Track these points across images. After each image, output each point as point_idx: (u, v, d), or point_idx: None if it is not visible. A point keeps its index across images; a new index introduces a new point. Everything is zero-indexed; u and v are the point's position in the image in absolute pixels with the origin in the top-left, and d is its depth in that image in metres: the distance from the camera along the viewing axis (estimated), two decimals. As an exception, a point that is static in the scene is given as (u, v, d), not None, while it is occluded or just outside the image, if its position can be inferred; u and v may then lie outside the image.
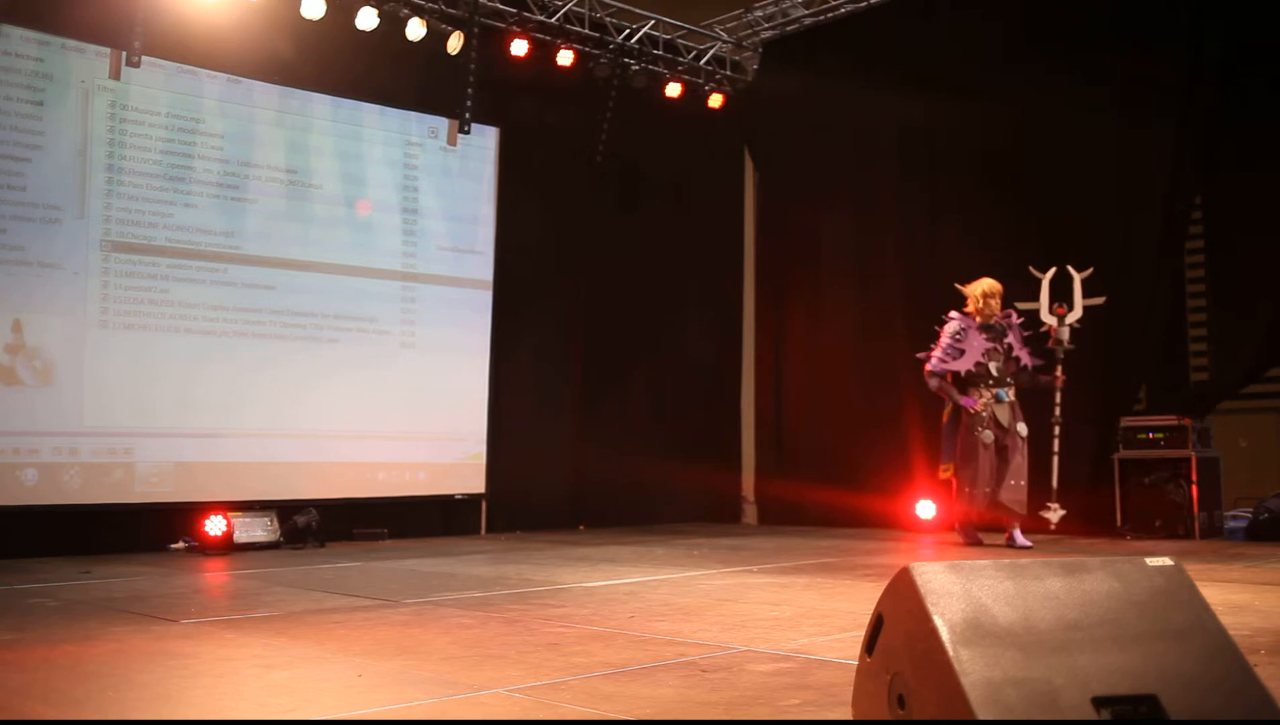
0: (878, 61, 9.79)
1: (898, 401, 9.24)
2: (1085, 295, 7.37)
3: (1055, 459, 7.29)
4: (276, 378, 8.48)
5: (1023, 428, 7.09)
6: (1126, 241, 8.18)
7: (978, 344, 7.10)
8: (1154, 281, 8.18)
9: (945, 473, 7.34)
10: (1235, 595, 4.79)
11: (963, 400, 7.06)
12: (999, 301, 7.22)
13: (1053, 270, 7.41)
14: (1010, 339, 7.21)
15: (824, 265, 10.38)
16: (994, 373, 7.12)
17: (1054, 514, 7.25)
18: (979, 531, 7.33)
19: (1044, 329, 7.33)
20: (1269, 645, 3.56)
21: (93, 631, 4.24)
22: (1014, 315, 7.28)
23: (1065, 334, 7.27)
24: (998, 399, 7.09)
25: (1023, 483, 7.02)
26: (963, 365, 7.08)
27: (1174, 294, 8.84)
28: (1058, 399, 7.28)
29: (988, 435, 7.01)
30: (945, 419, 7.30)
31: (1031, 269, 7.44)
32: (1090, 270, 7.42)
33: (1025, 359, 7.24)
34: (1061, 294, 7.35)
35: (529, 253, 9.85)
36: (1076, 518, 7.56)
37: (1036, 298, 7.38)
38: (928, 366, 7.16)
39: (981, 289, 7.22)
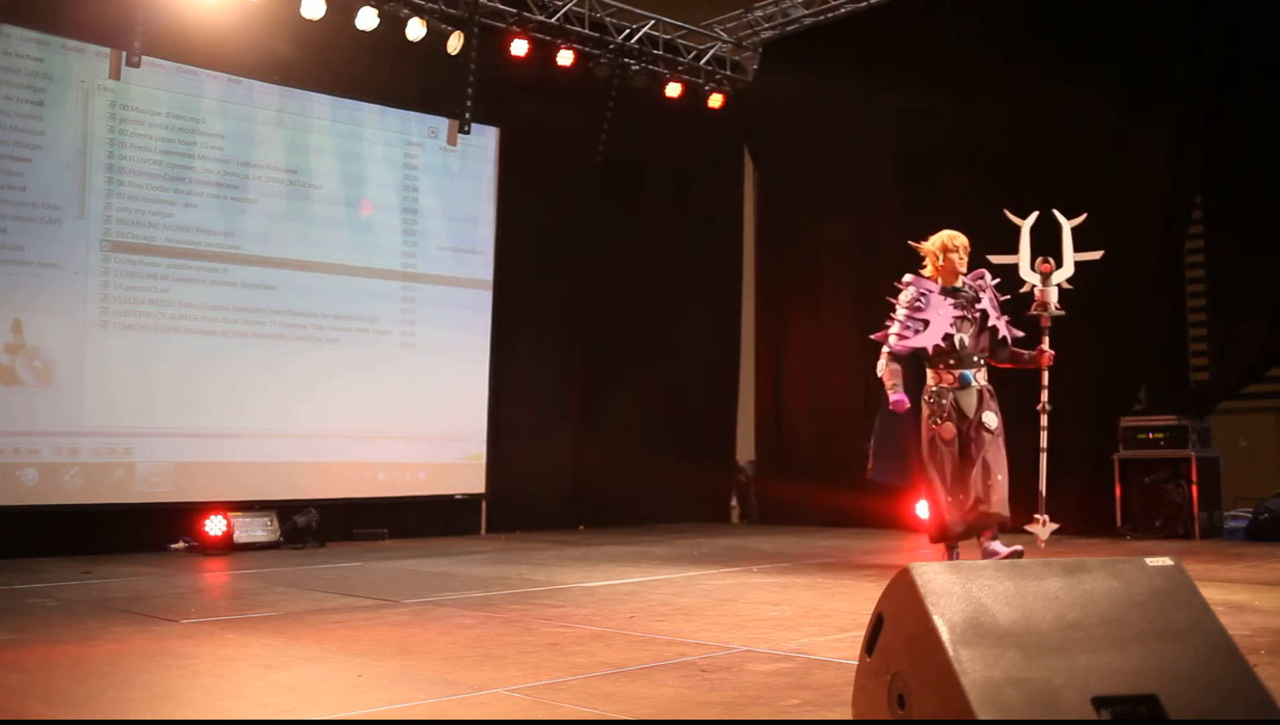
0: (878, 61, 9.78)
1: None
2: (1078, 248, 5.98)
3: (1043, 458, 5.91)
4: (277, 378, 8.48)
5: (990, 418, 5.54)
6: (1126, 241, 8.19)
7: (944, 312, 5.56)
8: (1154, 281, 8.18)
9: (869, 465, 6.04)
10: (1235, 595, 4.79)
11: (894, 396, 5.55)
12: (965, 258, 5.66)
13: (1034, 215, 6.00)
14: (984, 305, 5.66)
15: (824, 265, 10.38)
16: (959, 348, 5.57)
17: (1042, 529, 5.84)
18: (956, 545, 5.73)
19: (1025, 290, 5.91)
20: (1269, 645, 3.56)
21: (93, 631, 4.24)
22: (987, 275, 5.79)
23: (1052, 296, 5.78)
24: (962, 382, 5.53)
25: (998, 478, 5.52)
26: (929, 340, 5.55)
27: (1174, 294, 8.83)
28: (1044, 381, 5.84)
29: (946, 428, 5.52)
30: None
31: (1007, 212, 6.05)
32: (1084, 216, 6.02)
33: (1003, 330, 5.68)
34: (1047, 247, 5.96)
35: (529, 253, 9.85)
36: (1077, 518, 7.54)
37: (1014, 250, 5.94)
38: (888, 346, 5.64)
39: (941, 242, 5.68)
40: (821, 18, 10.41)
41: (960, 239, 5.66)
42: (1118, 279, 7.91)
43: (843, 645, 3.68)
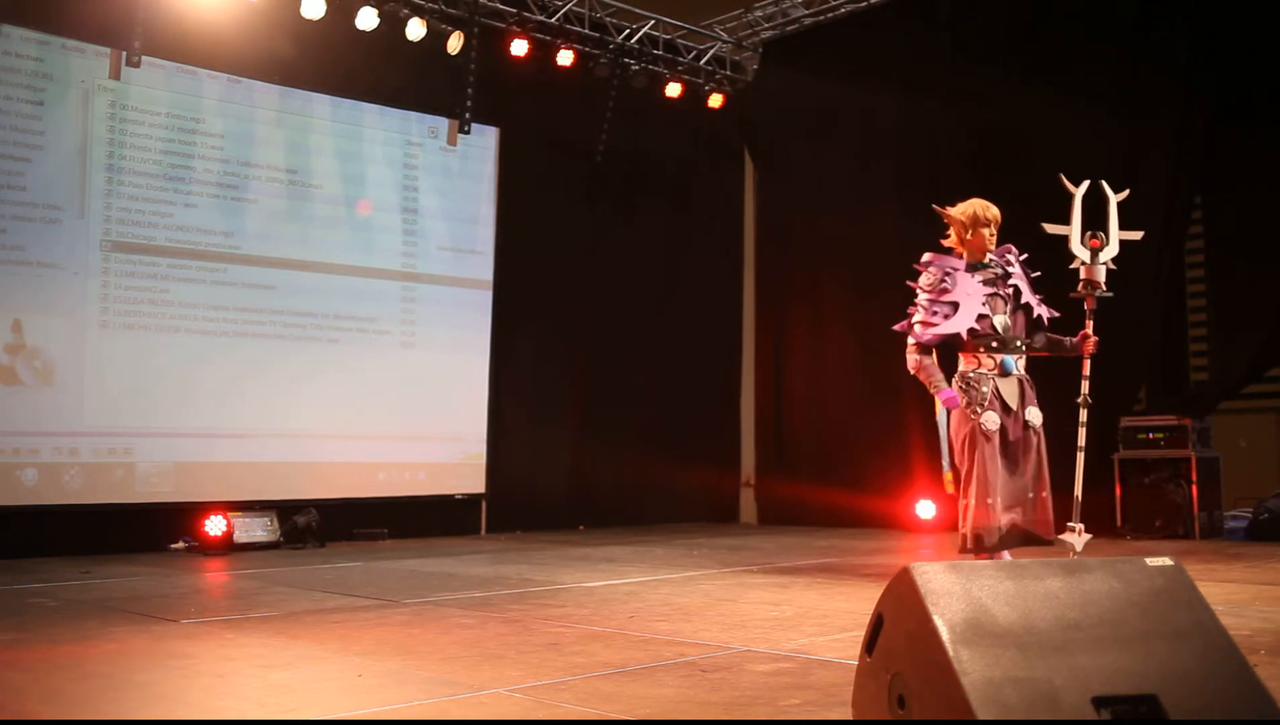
0: (878, 61, 9.79)
1: (898, 401, 9.23)
2: (1120, 226, 5.29)
3: (1080, 458, 5.21)
4: (277, 378, 8.47)
5: (1035, 414, 4.89)
6: (1127, 241, 8.18)
7: (973, 290, 4.88)
8: (1154, 281, 8.18)
9: (949, 481, 5.04)
10: (1235, 595, 4.79)
11: (942, 394, 4.85)
12: (995, 233, 5.00)
13: (1086, 184, 5.26)
14: (1016, 281, 5.01)
15: (824, 265, 10.38)
16: (1000, 330, 4.89)
17: (1078, 539, 5.03)
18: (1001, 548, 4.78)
19: (1074, 265, 5.14)
20: (1269, 645, 3.56)
21: (93, 631, 4.24)
22: (1014, 250, 5.13)
23: (1101, 275, 5.09)
24: (1004, 369, 4.85)
25: (1045, 495, 4.87)
26: (960, 324, 4.84)
27: (1174, 294, 8.83)
28: (1086, 371, 5.12)
29: (990, 419, 4.77)
30: (938, 411, 5.09)
31: (1062, 178, 5.30)
32: (1127, 192, 5.32)
33: (1038, 310, 5.03)
34: (1095, 222, 5.24)
35: (529, 253, 9.85)
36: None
37: (1065, 221, 5.10)
38: (914, 336, 4.94)
39: (972, 213, 4.99)
40: (821, 18, 10.41)
41: (993, 211, 5.01)
42: (1118, 279, 7.87)
43: (843, 645, 3.68)
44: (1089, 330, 5.05)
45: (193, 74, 8.24)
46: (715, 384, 11.18)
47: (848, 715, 2.50)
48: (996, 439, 4.77)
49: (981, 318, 4.84)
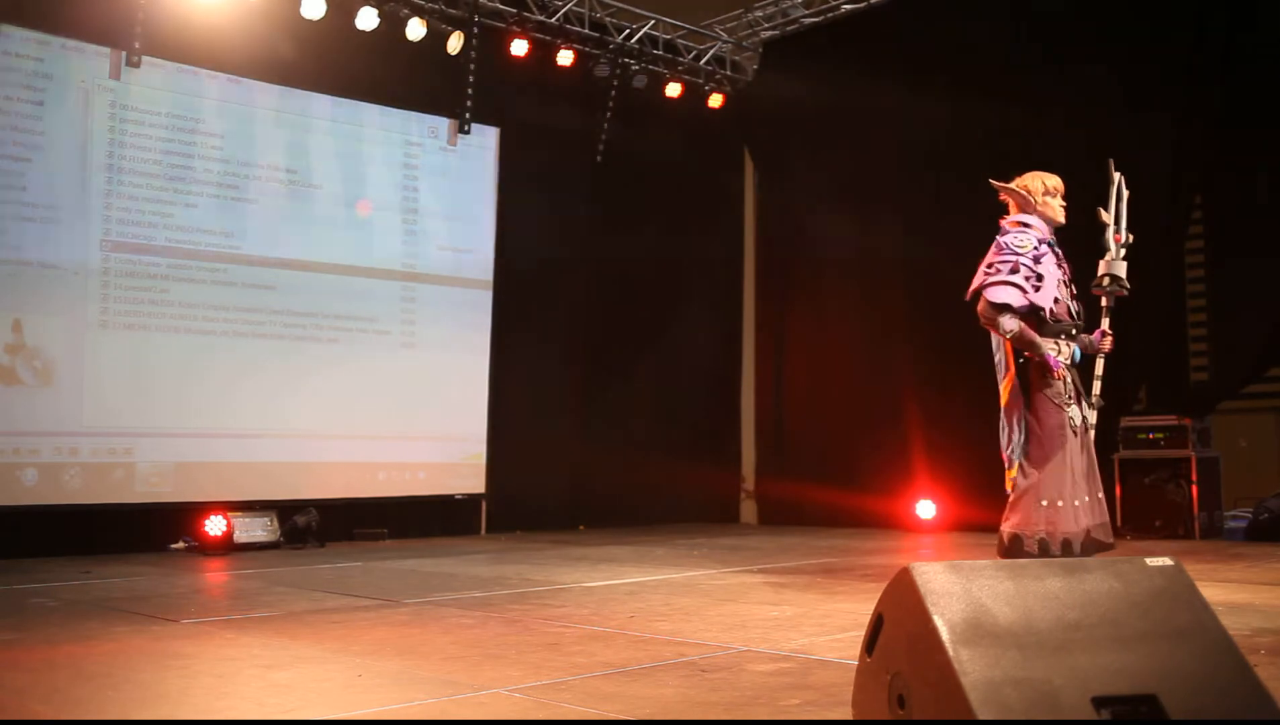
0: (878, 61, 9.78)
1: (898, 401, 9.24)
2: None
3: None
4: (276, 378, 8.47)
5: (1089, 408, 4.46)
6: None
7: (1054, 270, 4.35)
8: (1154, 281, 8.17)
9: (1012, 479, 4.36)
10: (1235, 595, 4.79)
11: (1050, 357, 4.21)
12: (1064, 205, 4.55)
13: (1118, 175, 4.95)
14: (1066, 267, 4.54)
15: (824, 265, 10.38)
16: (1075, 316, 4.41)
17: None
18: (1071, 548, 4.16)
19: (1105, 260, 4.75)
20: (1269, 645, 3.57)
21: (93, 631, 4.24)
22: None
23: (1122, 270, 4.68)
24: (1073, 360, 4.37)
25: (1102, 496, 4.38)
26: (1045, 299, 4.27)
27: (1174, 294, 8.83)
28: (1099, 371, 4.60)
29: (1076, 413, 4.29)
30: (1008, 395, 4.38)
31: (1111, 163, 4.98)
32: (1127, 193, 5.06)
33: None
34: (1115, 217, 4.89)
35: (529, 253, 9.86)
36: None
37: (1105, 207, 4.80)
38: (1001, 299, 4.22)
39: (1041, 183, 4.54)
40: (821, 18, 10.41)
41: (1059, 180, 4.57)
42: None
43: (843, 645, 3.69)
44: (1106, 327, 4.66)
45: (193, 74, 8.24)
46: (715, 384, 11.19)
47: (848, 715, 2.50)
48: (1078, 438, 4.32)
49: (1057, 301, 4.36)
